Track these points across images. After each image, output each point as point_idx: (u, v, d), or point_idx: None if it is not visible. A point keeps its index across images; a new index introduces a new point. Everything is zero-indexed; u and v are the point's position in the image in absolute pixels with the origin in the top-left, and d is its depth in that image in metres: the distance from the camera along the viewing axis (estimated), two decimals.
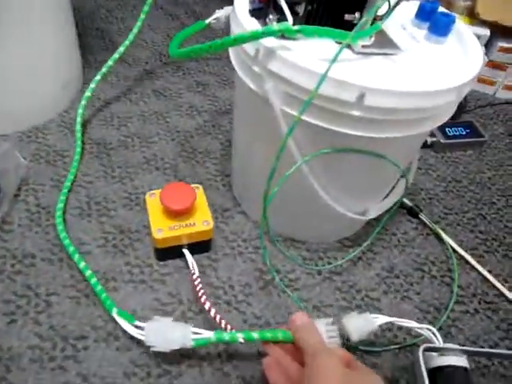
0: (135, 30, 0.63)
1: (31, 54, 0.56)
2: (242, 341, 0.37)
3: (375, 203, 0.50)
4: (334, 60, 0.31)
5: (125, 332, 0.42)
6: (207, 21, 0.50)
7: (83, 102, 0.60)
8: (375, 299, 0.49)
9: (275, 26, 0.33)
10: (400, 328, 0.47)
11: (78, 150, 0.57)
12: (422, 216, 0.59)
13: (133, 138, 0.62)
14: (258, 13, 0.38)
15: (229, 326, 0.40)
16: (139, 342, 0.42)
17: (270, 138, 0.42)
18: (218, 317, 0.41)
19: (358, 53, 0.38)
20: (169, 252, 0.47)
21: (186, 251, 0.47)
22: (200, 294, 0.43)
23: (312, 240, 0.53)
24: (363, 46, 0.38)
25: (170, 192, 0.45)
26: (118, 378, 0.40)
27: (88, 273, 0.45)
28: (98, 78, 0.62)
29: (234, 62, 0.42)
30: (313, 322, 0.36)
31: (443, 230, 0.58)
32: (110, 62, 0.63)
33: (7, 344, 0.40)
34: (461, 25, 0.44)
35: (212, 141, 0.64)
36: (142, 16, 0.63)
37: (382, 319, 0.40)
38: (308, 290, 0.49)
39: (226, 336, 0.37)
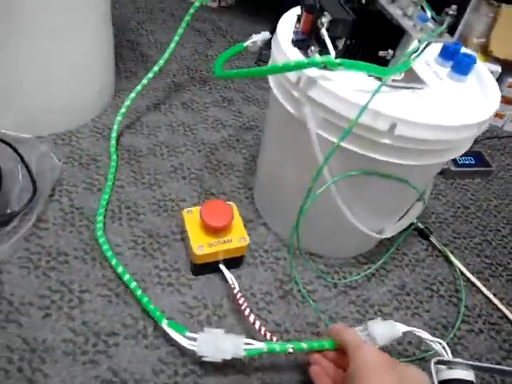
0: (169, 51, 0.66)
1: (74, 60, 0.59)
2: (291, 351, 0.40)
3: (391, 223, 0.53)
4: (376, 92, 0.34)
5: (154, 330, 0.45)
6: (245, 44, 0.54)
7: (123, 110, 0.63)
8: (387, 314, 0.52)
9: (319, 58, 0.36)
10: (410, 342, 0.50)
11: (114, 156, 0.60)
12: (433, 238, 0.62)
13: (161, 147, 0.65)
14: (300, 43, 0.41)
15: (268, 334, 0.43)
16: (167, 342, 0.44)
17: (301, 158, 0.46)
18: (263, 329, 0.43)
19: (389, 86, 0.42)
20: (205, 267, 0.49)
21: (222, 267, 0.49)
22: (243, 308, 0.45)
23: (329, 255, 0.56)
24: (393, 80, 0.41)
25: (209, 209, 0.48)
26: (147, 375, 0.42)
27: (126, 277, 0.47)
28: (133, 95, 0.64)
29: (272, 84, 0.45)
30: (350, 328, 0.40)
31: (452, 252, 0.61)
32: (144, 81, 0.66)
33: (42, 337, 0.43)
34: (480, 65, 0.47)
35: (236, 154, 0.67)
36: (176, 38, 0.66)
37: (402, 327, 0.42)
38: (325, 302, 0.51)
39: (277, 347, 0.40)
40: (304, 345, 0.41)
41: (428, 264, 0.59)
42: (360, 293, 0.54)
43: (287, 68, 0.37)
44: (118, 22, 0.90)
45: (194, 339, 0.40)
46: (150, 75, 0.66)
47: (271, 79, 0.45)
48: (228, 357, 0.39)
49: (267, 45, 0.83)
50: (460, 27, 0.76)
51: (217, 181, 0.62)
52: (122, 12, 0.93)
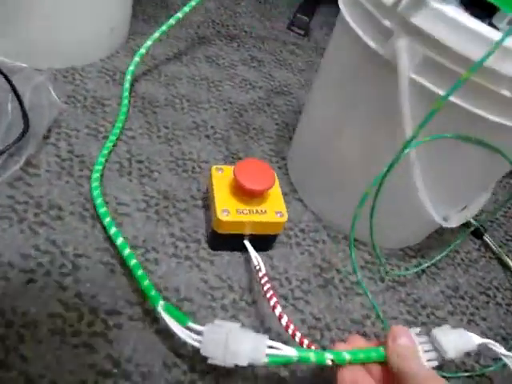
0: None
1: None
2: (330, 363, 0.29)
3: (456, 211, 0.45)
4: None
5: None
6: None
7: (137, 59, 0.53)
8: (441, 319, 0.44)
9: None
10: (468, 354, 0.41)
11: (126, 101, 0.50)
12: (487, 237, 0.54)
13: (181, 100, 0.55)
14: None
15: (298, 334, 0.32)
16: None
17: (375, 114, 0.37)
18: (291, 327, 0.32)
19: (500, 29, 0.33)
20: (227, 241, 0.39)
21: (247, 243, 0.39)
22: (269, 296, 0.34)
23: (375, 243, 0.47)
24: (509, 22, 0.32)
25: (246, 168, 0.38)
26: (156, 368, 0.32)
27: (119, 240, 0.37)
28: (149, 43, 0.54)
29: (347, 14, 0.36)
30: (415, 344, 0.30)
31: (506, 255, 0.53)
32: (164, 28, 0.55)
33: (22, 308, 0.33)
34: None
35: (267, 119, 0.58)
36: None
37: (477, 339, 0.34)
38: (370, 298, 0.42)
39: (312, 356, 0.29)
40: (346, 355, 0.29)
41: (482, 266, 0.51)
42: (410, 291, 0.45)
43: None
44: None
45: (200, 333, 0.29)
46: (172, 21, 0.56)
47: (346, 7, 0.36)
48: (243, 363, 0.28)
49: (301, 7, 0.74)
50: None
51: (245, 145, 0.53)
52: None
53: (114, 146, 0.46)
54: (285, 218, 0.39)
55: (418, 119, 0.31)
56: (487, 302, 0.47)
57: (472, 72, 0.27)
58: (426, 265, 0.47)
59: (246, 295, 0.39)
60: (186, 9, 0.56)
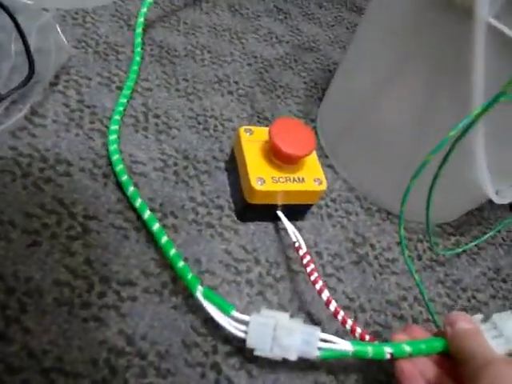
0: None
1: None
2: (389, 356, 0.26)
3: (509, 185, 0.40)
4: None
5: (184, 289, 0.31)
6: None
7: None
8: (483, 303, 0.40)
9: None
10: None
11: (139, 49, 0.45)
12: None
13: (202, 51, 0.49)
14: None
15: (349, 322, 0.29)
16: None
17: (436, 70, 0.31)
18: (341, 314, 0.29)
19: None
20: (259, 211, 0.35)
21: (281, 215, 0.35)
22: (313, 279, 0.30)
23: (412, 218, 0.43)
24: None
25: (283, 129, 0.33)
26: (174, 348, 0.29)
27: (138, 202, 0.33)
28: None
29: None
30: (479, 328, 0.26)
31: None
32: None
33: (25, 273, 0.29)
34: None
35: (294, 77, 0.52)
36: None
37: None
38: (407, 277, 0.39)
39: (370, 350, 0.26)
40: (407, 348, 0.26)
41: None
42: (449, 271, 0.41)
43: None
44: None
45: (245, 323, 0.27)
46: None
47: None
48: (293, 357, 0.26)
49: None
50: None
51: (271, 103, 0.47)
52: None
53: (129, 98, 0.41)
54: (324, 186, 0.34)
55: (495, 77, 0.26)
56: None
57: None
58: (470, 245, 0.42)
59: (273, 269, 0.35)
60: None
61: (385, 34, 0.36)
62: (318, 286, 0.30)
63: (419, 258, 0.41)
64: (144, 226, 0.33)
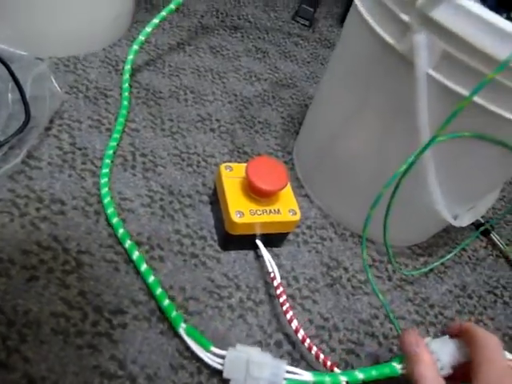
0: None
1: None
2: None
3: (466, 209, 0.44)
4: None
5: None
6: None
7: (135, 47, 0.51)
8: (449, 318, 0.43)
9: None
10: None
11: (127, 93, 0.49)
12: (494, 235, 0.53)
13: (185, 92, 0.54)
14: None
15: (314, 348, 0.33)
16: None
17: (389, 111, 0.36)
18: (314, 349, 0.33)
19: None
20: (239, 241, 0.38)
21: (259, 243, 0.38)
22: (285, 308, 0.34)
23: (381, 240, 0.46)
24: None
25: (258, 167, 0.36)
26: (163, 370, 0.31)
27: (128, 243, 0.37)
28: (148, 30, 0.51)
29: (363, 7, 0.34)
30: (427, 350, 0.29)
31: None
32: (163, 13, 0.53)
33: (24, 307, 0.32)
34: None
35: (272, 112, 0.56)
36: None
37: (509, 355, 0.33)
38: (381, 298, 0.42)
39: (328, 379, 0.30)
40: (360, 375, 0.30)
41: (489, 264, 0.50)
42: (418, 289, 0.44)
43: None
44: None
45: (222, 357, 0.31)
46: (172, 6, 0.53)
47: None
48: None
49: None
50: None
51: (251, 138, 0.51)
52: None
53: (118, 140, 0.44)
54: (298, 217, 0.38)
55: (435, 117, 0.30)
56: (495, 301, 0.47)
57: (498, 72, 0.26)
58: (436, 264, 0.46)
59: (253, 294, 0.38)
60: None
61: (347, 74, 0.40)
62: (288, 316, 0.34)
63: (389, 278, 0.44)
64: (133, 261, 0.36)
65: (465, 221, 0.43)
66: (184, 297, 0.36)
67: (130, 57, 0.51)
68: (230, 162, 0.47)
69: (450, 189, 0.37)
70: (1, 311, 0.31)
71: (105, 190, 0.39)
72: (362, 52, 0.36)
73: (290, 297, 0.39)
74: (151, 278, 0.35)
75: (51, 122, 0.44)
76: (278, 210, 0.38)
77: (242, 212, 0.36)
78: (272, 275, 0.36)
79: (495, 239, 0.53)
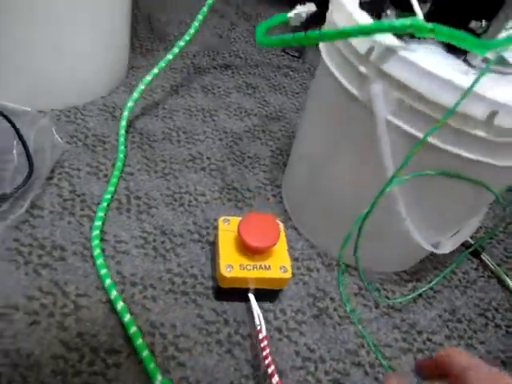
0: (192, 31, 0.57)
1: (86, 33, 0.51)
2: None
3: (447, 237, 0.45)
4: (484, 72, 0.26)
5: (162, 352, 0.37)
6: (288, 15, 0.46)
7: (135, 95, 0.55)
8: (438, 344, 0.44)
9: (405, 20, 0.28)
10: None
11: (123, 139, 0.52)
12: (484, 257, 0.54)
13: (178, 133, 0.57)
14: (369, 6, 0.34)
15: None
16: (180, 366, 0.36)
17: (358, 151, 0.38)
18: None
19: (474, 66, 0.34)
20: (232, 293, 0.40)
21: (251, 297, 0.40)
22: (267, 363, 0.35)
23: (369, 268, 0.48)
24: (483, 59, 0.33)
25: (251, 223, 0.38)
26: None
27: (108, 282, 0.39)
28: (148, 78, 0.55)
29: (326, 56, 0.37)
30: None
31: (505, 274, 0.53)
32: (162, 64, 0.56)
33: (27, 350, 0.35)
34: None
35: (262, 146, 0.59)
36: (200, 17, 0.58)
37: None
38: (364, 325, 0.43)
39: None
40: None
41: (480, 286, 0.51)
42: (405, 316, 0.45)
43: (364, 31, 0.29)
44: None
45: None
46: (170, 57, 0.57)
47: (325, 50, 0.38)
48: None
49: (303, 24, 0.75)
50: None
51: (240, 174, 0.54)
52: None
53: (115, 185, 0.48)
54: (289, 275, 0.39)
55: (397, 157, 0.32)
56: (486, 325, 0.47)
57: (444, 120, 0.28)
58: (422, 290, 0.47)
59: (241, 328, 0.40)
60: (182, 43, 0.58)
61: (321, 116, 0.42)
62: (270, 370, 0.35)
63: (376, 306, 0.45)
64: (130, 299, 0.39)
65: (447, 248, 0.44)
66: (174, 334, 0.38)
67: (130, 104, 0.54)
68: (219, 199, 0.50)
69: (425, 219, 0.38)
70: (6, 355, 0.34)
71: (95, 233, 0.42)
72: (330, 99, 0.39)
73: (277, 330, 0.41)
74: (133, 329, 0.37)
75: (52, 171, 0.48)
76: (269, 266, 0.39)
77: (231, 266, 0.38)
78: (258, 328, 0.37)
79: (486, 260, 0.54)
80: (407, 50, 0.30)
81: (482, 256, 0.54)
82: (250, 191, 0.52)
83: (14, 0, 0.44)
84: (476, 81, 0.27)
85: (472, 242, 0.54)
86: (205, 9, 0.59)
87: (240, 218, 0.39)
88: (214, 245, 0.44)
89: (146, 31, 0.74)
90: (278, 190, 0.54)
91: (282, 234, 0.40)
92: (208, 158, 0.55)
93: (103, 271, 0.40)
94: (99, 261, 0.40)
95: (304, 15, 0.47)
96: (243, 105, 0.65)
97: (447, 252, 0.44)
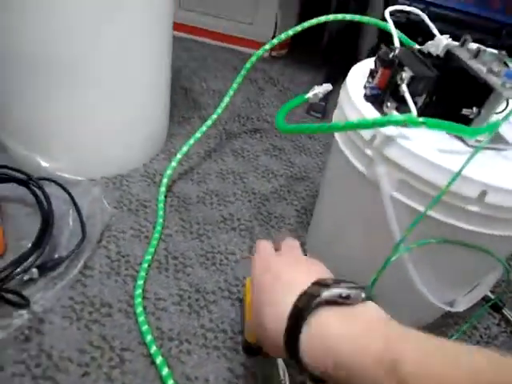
0: (224, 104, 0.66)
1: (131, 111, 0.60)
2: None
3: (463, 294, 0.48)
4: (471, 158, 0.31)
5: None
6: (307, 96, 0.52)
7: (173, 164, 0.62)
8: None
9: (400, 116, 0.33)
10: None
11: (161, 205, 0.59)
12: (506, 311, 0.55)
13: (211, 196, 0.63)
14: (373, 98, 0.39)
15: None
16: None
17: (370, 221, 0.42)
18: None
19: (470, 146, 0.38)
20: (258, 348, 0.42)
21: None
22: None
23: None
24: (476, 141, 0.38)
25: None
26: None
27: (148, 338, 0.44)
28: (184, 149, 0.63)
29: (339, 139, 0.42)
30: None
31: None
32: (198, 134, 0.64)
33: None
34: None
35: (287, 206, 0.64)
36: (231, 92, 0.66)
37: None
38: None
39: None
40: None
41: (502, 341, 0.52)
42: None
43: (364, 125, 0.34)
44: (173, 69, 0.92)
45: None
46: (204, 128, 0.65)
47: (338, 134, 0.43)
48: None
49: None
50: None
51: (267, 234, 0.59)
52: (177, 61, 0.95)
53: (155, 247, 0.54)
54: None
55: (403, 227, 0.36)
56: None
57: (438, 198, 0.32)
58: None
59: (267, 383, 0.43)
60: (215, 116, 0.66)
61: (335, 190, 0.47)
62: None
63: None
64: (168, 353, 0.43)
65: (462, 305, 0.47)
66: None
67: (168, 172, 0.61)
68: (249, 258, 0.55)
69: (437, 281, 0.42)
70: None
71: (138, 292, 0.48)
72: (343, 174, 0.44)
73: None
74: (170, 382, 0.41)
75: (101, 234, 0.54)
76: None
77: None
78: (283, 382, 0.41)
79: (508, 315, 0.55)
80: (405, 137, 0.35)
81: (503, 311, 0.55)
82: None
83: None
84: (464, 165, 0.32)
85: (492, 297, 0.56)
86: (238, 79, 0.66)
87: None
88: (242, 302, 0.48)
89: (183, 100, 0.82)
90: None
91: None
92: (238, 219, 0.60)
93: (144, 327, 0.45)
94: (141, 318, 0.46)
95: (321, 95, 0.53)
96: (270, 167, 0.71)
97: (461, 310, 0.46)
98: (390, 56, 0.37)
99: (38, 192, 0.53)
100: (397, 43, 0.39)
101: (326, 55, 1.04)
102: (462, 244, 0.38)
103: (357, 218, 0.44)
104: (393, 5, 0.76)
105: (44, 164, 0.59)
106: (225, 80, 0.90)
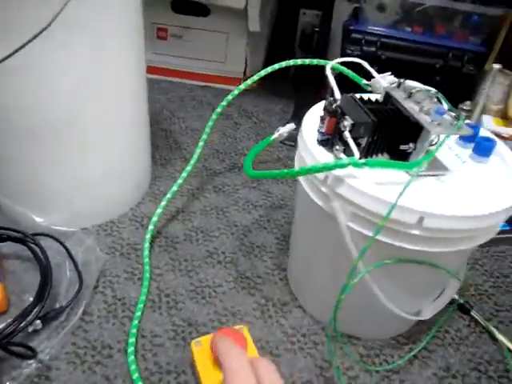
0: (204, 137, 0.71)
1: (112, 159, 0.65)
2: None
3: (428, 304, 0.53)
4: (403, 191, 0.36)
5: None
6: (272, 137, 0.58)
7: (159, 210, 0.66)
8: None
9: (345, 160, 0.39)
10: None
11: (147, 244, 0.63)
12: (474, 313, 0.60)
13: (197, 232, 0.68)
14: (324, 142, 0.45)
15: None
16: None
17: (333, 248, 0.47)
18: None
19: (411, 175, 0.44)
20: None
21: None
22: None
23: (368, 336, 0.56)
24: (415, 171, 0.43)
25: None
26: None
27: (135, 376, 0.48)
28: (168, 196, 0.67)
29: (300, 179, 0.48)
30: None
31: (496, 327, 0.59)
32: (180, 181, 0.68)
33: None
34: (501, 146, 0.49)
35: (268, 235, 0.69)
36: (210, 123, 0.72)
37: None
38: None
39: None
40: None
41: (472, 341, 0.57)
42: (403, 377, 0.52)
43: (315, 170, 0.40)
44: (152, 113, 0.98)
45: None
46: (184, 175, 0.69)
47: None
48: None
49: (289, 121, 0.88)
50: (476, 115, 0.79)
51: (251, 263, 0.64)
52: (156, 103, 1.01)
53: (148, 288, 0.58)
54: None
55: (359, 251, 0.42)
56: (479, 378, 0.53)
57: (382, 225, 0.38)
58: (416, 351, 0.54)
59: None
60: (194, 157, 0.71)
61: (303, 227, 0.53)
62: None
63: (377, 370, 0.52)
64: None
65: (428, 313, 0.52)
66: None
67: (154, 219, 0.66)
68: (234, 288, 0.60)
69: (401, 295, 0.47)
70: None
71: (133, 331, 0.52)
72: (307, 209, 0.49)
73: None
74: None
75: (97, 280, 0.59)
76: None
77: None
78: None
79: (476, 316, 0.60)
80: (352, 176, 0.41)
81: (471, 313, 0.60)
82: (260, 277, 0.62)
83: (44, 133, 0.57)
84: (399, 196, 0.37)
85: (461, 301, 0.61)
86: (214, 116, 0.72)
87: (210, 336, 0.46)
88: (194, 368, 0.47)
89: (164, 142, 0.88)
90: (284, 273, 0.63)
91: (249, 339, 0.47)
92: (223, 253, 0.65)
93: (133, 367, 0.48)
94: (131, 358, 0.49)
95: (285, 134, 0.59)
96: (250, 198, 0.76)
97: (428, 317, 0.51)
98: (333, 106, 0.42)
99: (35, 248, 0.57)
100: (338, 95, 0.45)
101: (296, 83, 1.11)
102: (414, 262, 0.43)
103: (322, 247, 0.50)
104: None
105: (38, 219, 0.63)
106: (202, 118, 0.96)
